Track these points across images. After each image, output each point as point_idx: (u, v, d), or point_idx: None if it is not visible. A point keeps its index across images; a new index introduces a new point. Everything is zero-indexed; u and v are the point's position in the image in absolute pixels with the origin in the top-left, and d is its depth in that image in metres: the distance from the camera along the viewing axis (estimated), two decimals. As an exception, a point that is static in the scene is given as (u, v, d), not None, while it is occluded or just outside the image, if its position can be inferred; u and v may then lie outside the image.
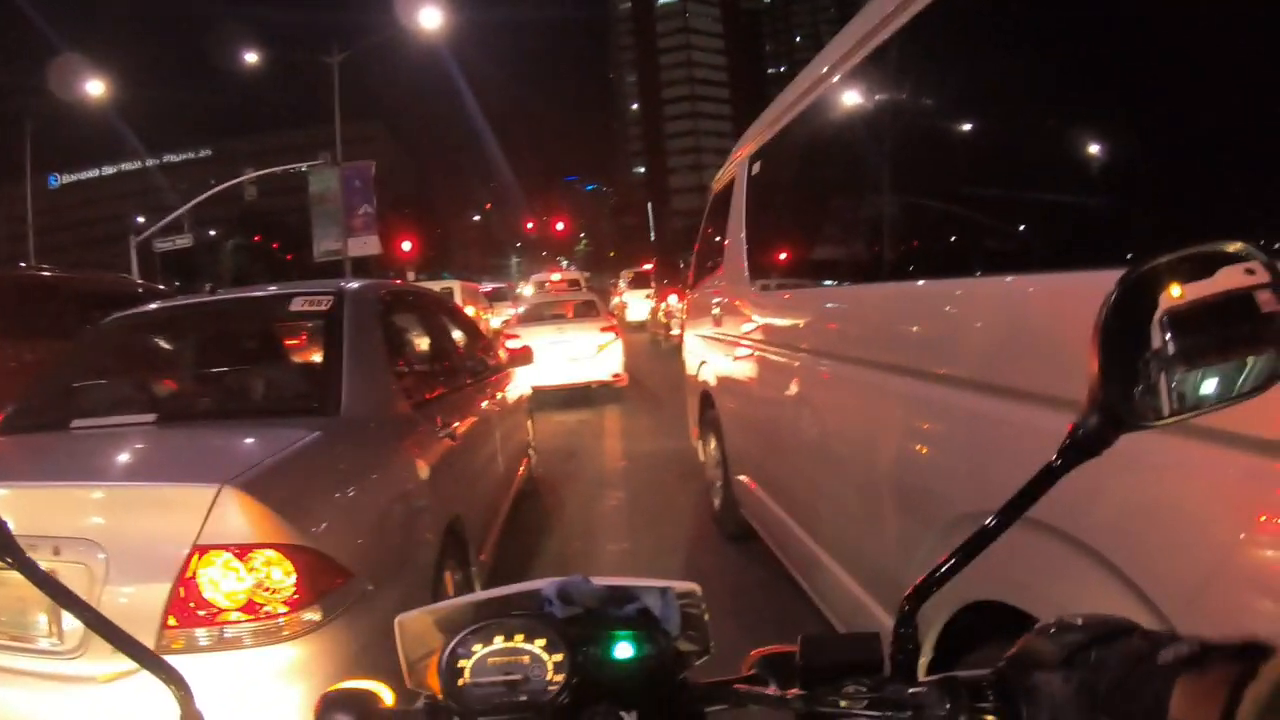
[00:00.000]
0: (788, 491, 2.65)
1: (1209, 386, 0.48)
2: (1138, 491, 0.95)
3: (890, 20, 1.71)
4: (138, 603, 1.53)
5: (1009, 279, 1.28)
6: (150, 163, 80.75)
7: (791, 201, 2.86)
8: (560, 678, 0.61)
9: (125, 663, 1.43)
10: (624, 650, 0.63)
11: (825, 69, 2.25)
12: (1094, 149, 1.19)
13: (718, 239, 3.86)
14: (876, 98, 1.92)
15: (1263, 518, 0.79)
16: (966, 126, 1.57)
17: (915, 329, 1.62)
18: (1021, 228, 1.37)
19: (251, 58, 21.31)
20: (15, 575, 0.60)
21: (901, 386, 1.62)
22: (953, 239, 1.58)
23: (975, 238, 1.48)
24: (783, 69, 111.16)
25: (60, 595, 0.61)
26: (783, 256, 2.93)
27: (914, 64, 1.71)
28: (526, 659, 0.62)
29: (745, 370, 3.22)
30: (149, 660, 0.59)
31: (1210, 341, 0.47)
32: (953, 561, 0.55)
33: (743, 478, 3.33)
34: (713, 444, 4.06)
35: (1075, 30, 1.20)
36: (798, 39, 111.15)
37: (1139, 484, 0.94)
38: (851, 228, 2.18)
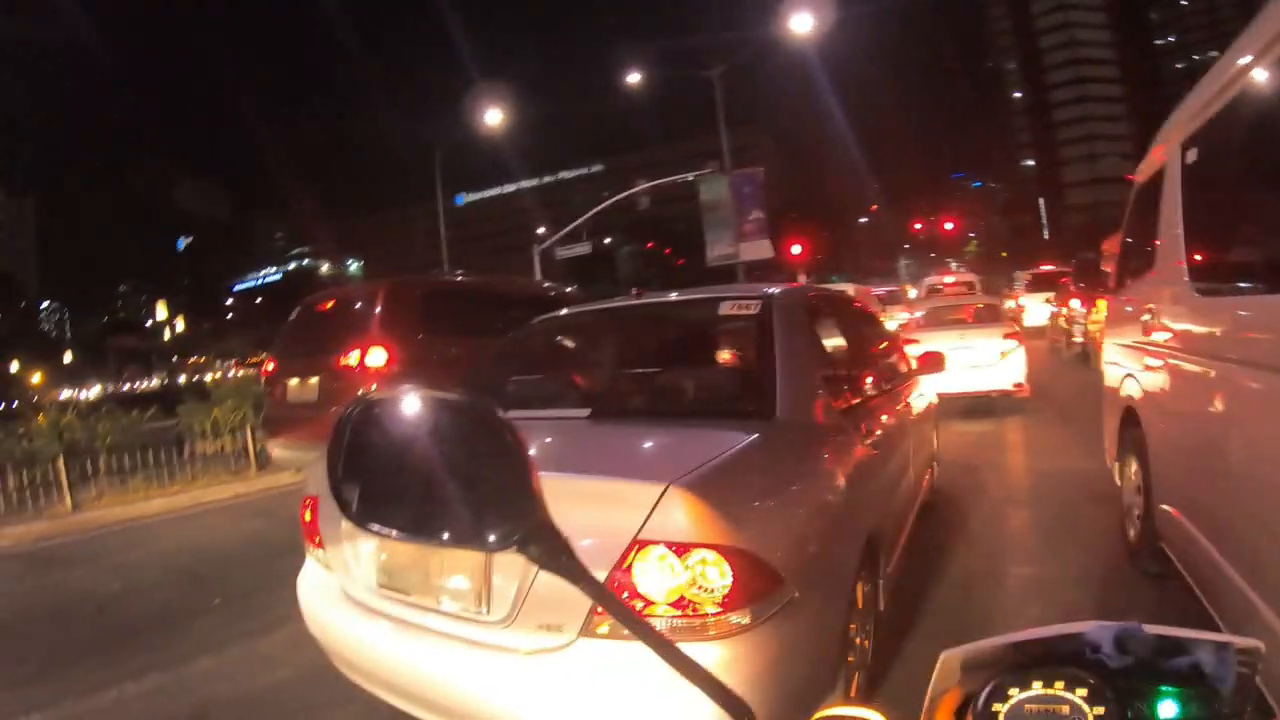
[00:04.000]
0: (1230, 533, 2.27)
1: None
2: None
3: None
4: (571, 587, 1.80)
5: None
6: (547, 179, 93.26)
7: (1253, 192, 2.43)
8: None
9: (549, 639, 1.67)
10: (1168, 709, 0.58)
11: None
12: None
13: (1144, 238, 3.40)
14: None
15: None
16: None
17: None
18: None
19: (635, 78, 22.03)
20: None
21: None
22: None
23: None
24: (1172, 38, 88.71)
25: (630, 621, 0.60)
26: (1239, 257, 2.49)
27: None
28: (1066, 709, 0.59)
29: (1182, 387, 2.80)
30: (723, 693, 0.58)
31: None
32: None
33: (1168, 508, 2.91)
34: (1133, 467, 3.57)
35: None
36: (1185, 2, 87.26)
37: None
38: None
